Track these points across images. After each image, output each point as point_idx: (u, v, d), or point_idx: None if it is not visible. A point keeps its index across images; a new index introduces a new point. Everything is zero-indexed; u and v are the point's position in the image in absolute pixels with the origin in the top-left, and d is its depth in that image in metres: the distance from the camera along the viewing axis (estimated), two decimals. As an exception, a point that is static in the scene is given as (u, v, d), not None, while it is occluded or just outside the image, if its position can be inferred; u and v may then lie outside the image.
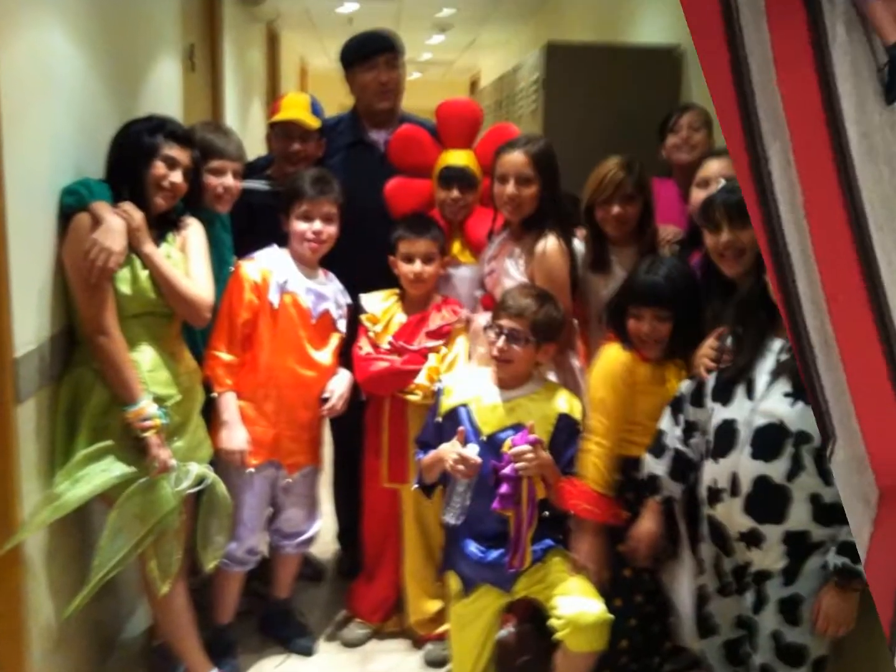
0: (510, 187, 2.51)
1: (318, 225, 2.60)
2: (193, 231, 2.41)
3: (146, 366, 2.24)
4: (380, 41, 3.02)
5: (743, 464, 1.91)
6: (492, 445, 2.31)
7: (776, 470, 1.86)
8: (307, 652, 2.76)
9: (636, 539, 2.22)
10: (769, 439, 1.87)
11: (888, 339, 1.32)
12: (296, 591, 2.90)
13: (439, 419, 2.44)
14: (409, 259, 2.67)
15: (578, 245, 2.63)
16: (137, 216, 2.21)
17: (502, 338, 2.33)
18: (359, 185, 2.82)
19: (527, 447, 2.21)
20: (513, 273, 2.56)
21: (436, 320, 2.68)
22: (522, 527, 2.24)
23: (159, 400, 2.23)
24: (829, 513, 1.85)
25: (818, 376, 1.32)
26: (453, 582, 2.42)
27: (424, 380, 2.60)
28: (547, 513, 2.33)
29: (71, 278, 2.17)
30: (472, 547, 2.36)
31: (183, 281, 2.29)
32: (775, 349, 1.92)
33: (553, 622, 2.22)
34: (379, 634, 2.85)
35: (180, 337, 2.43)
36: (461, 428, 2.33)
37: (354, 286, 2.76)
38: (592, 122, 3.80)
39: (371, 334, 2.70)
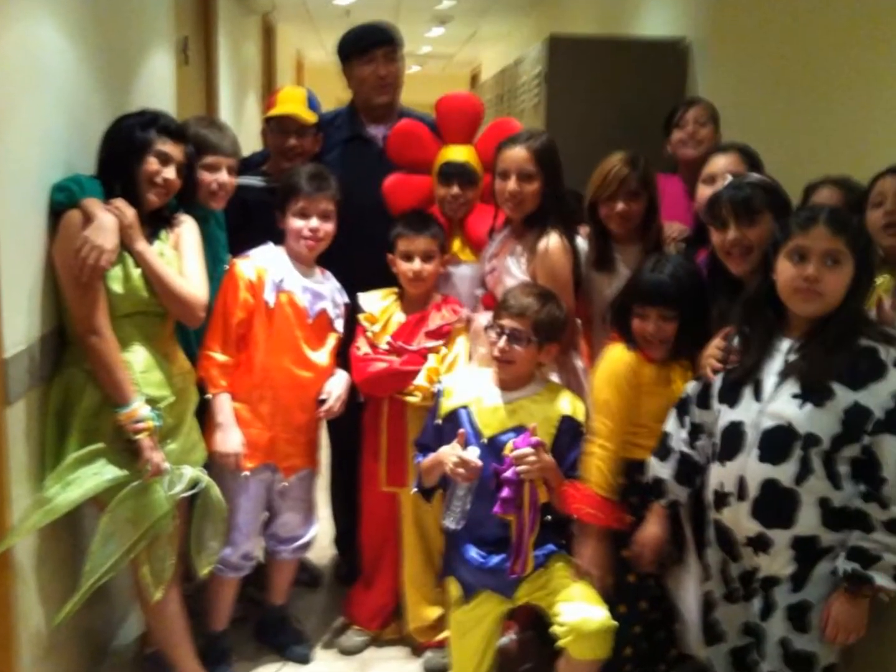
0: (511, 183, 2.51)
1: (314, 222, 2.60)
2: (187, 228, 2.41)
3: (139, 366, 2.24)
4: (378, 34, 3.02)
5: (750, 467, 1.90)
6: (493, 448, 2.31)
7: (784, 473, 1.86)
8: (304, 660, 2.76)
9: (641, 544, 2.21)
10: (777, 442, 1.87)
11: None
12: (292, 597, 2.90)
13: (439, 421, 2.44)
14: (408, 257, 2.67)
15: (581, 243, 2.62)
16: (130, 213, 2.21)
17: (504, 338, 2.33)
18: (357, 181, 2.82)
19: (529, 450, 2.21)
20: (514, 271, 2.56)
21: (435, 320, 2.68)
22: (524, 531, 2.24)
23: (152, 401, 2.23)
24: (839, 517, 1.85)
25: None
26: (453, 588, 2.42)
27: (424, 381, 2.60)
28: (549, 517, 2.33)
29: (61, 277, 2.17)
30: (473, 552, 2.36)
31: (176, 279, 2.29)
32: (783, 349, 1.92)
33: (556, 629, 2.22)
34: (377, 642, 2.85)
35: (174, 337, 2.43)
36: (461, 430, 2.33)
37: (352, 285, 2.76)
38: (596, 116, 3.80)
39: (369, 334, 2.70)
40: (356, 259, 2.74)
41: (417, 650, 2.79)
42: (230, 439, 2.50)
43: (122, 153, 2.26)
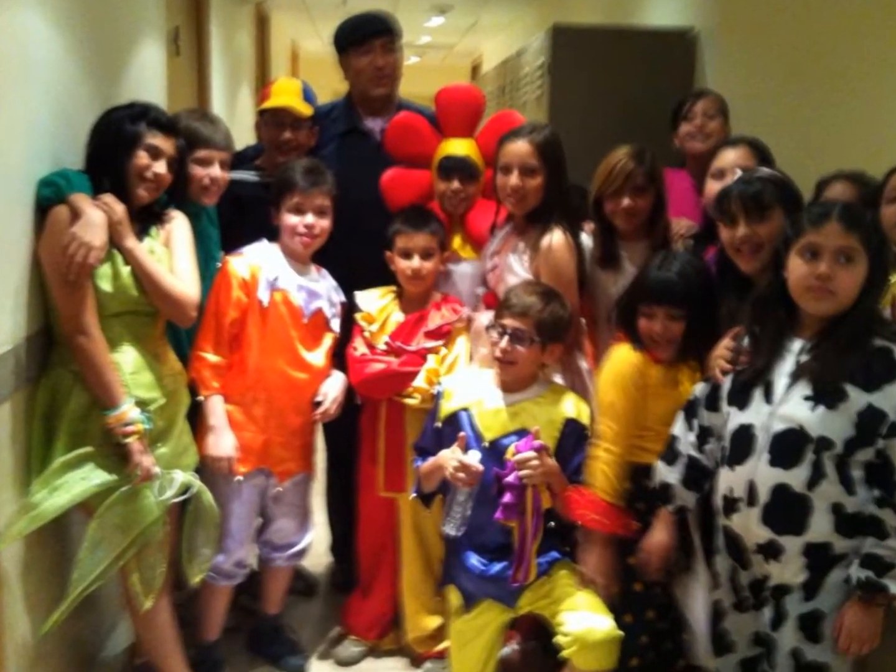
0: (514, 178, 2.51)
1: (310, 218, 2.60)
2: (178, 225, 2.41)
3: (128, 367, 2.24)
4: (376, 23, 3.02)
5: (760, 471, 1.90)
6: (494, 452, 2.31)
7: (796, 478, 1.86)
8: (299, 671, 2.76)
9: (647, 551, 2.21)
10: (788, 445, 1.87)
11: None
12: (287, 606, 2.90)
13: (439, 424, 2.44)
14: (407, 254, 2.67)
15: (586, 239, 2.63)
16: (119, 209, 2.21)
17: (505, 338, 2.33)
18: (353, 175, 2.82)
19: (531, 454, 2.21)
20: (517, 269, 2.56)
21: (435, 319, 2.68)
22: (527, 538, 2.24)
23: (142, 404, 2.23)
24: (852, 523, 1.85)
25: None
26: (453, 597, 2.42)
27: (423, 382, 2.60)
28: (553, 523, 2.33)
29: (48, 275, 2.17)
30: (474, 559, 2.36)
31: (167, 278, 2.29)
32: (794, 350, 1.92)
33: (559, 639, 2.22)
34: (375, 652, 2.86)
35: (164, 337, 2.43)
36: (462, 433, 2.32)
37: (349, 283, 2.76)
38: (601, 109, 3.81)
39: (366, 334, 2.70)
40: (353, 256, 2.75)
41: (416, 661, 2.79)
42: (223, 443, 2.50)
43: (110, 147, 2.26)
